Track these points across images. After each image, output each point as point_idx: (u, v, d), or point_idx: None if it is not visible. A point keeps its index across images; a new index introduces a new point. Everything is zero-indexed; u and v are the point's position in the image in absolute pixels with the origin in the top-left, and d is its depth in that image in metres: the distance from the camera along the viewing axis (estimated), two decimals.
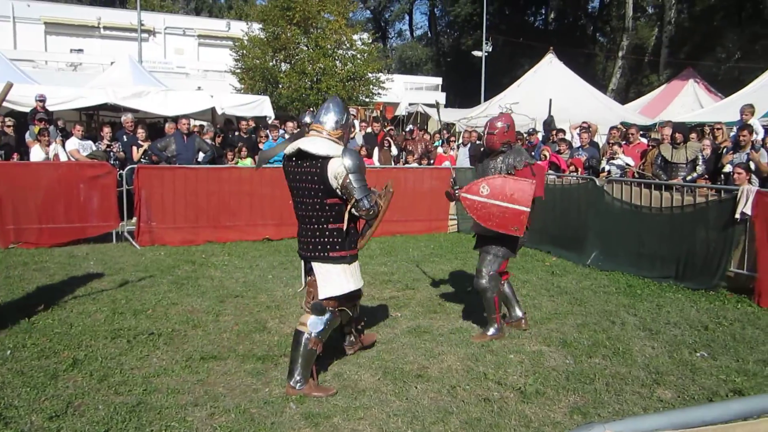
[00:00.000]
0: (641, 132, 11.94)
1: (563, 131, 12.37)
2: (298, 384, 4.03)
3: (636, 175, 9.14)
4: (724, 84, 25.53)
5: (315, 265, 4.16)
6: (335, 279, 4.10)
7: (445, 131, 15.28)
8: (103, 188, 9.07)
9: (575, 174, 9.60)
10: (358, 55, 23.21)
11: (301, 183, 4.10)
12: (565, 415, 3.84)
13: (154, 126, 14.07)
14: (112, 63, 20.76)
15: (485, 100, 24.52)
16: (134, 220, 9.15)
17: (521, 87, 19.23)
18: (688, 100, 19.76)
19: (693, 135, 9.67)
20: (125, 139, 10.81)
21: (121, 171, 9.45)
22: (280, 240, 9.51)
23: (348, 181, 3.90)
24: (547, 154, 10.89)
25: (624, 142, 10.60)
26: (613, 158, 9.91)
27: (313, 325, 4.08)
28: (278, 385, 4.19)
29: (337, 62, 22.76)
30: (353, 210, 4.00)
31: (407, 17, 58.47)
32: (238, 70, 23.49)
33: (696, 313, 6.04)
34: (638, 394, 4.14)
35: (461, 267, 8.00)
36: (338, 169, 3.92)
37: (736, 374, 4.45)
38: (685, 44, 37.52)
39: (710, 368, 4.58)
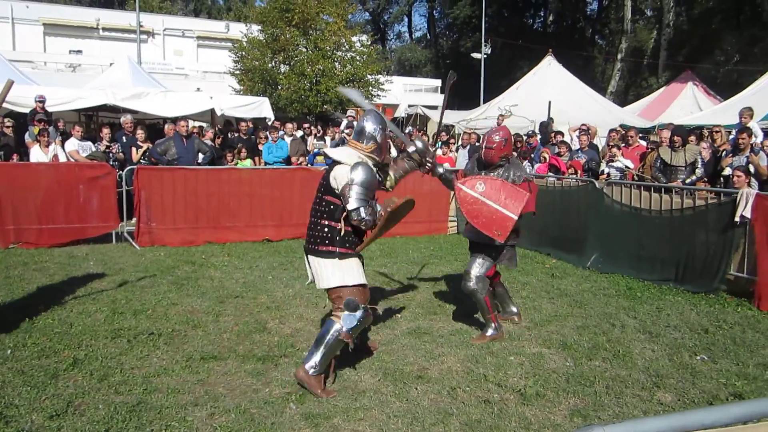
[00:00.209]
0: (640, 135, 11.95)
1: (561, 133, 12.38)
2: (313, 369, 4.07)
3: (635, 178, 9.15)
4: (723, 87, 25.55)
5: (310, 259, 4.30)
6: (325, 272, 4.18)
7: (444, 133, 15.28)
8: (102, 189, 9.07)
9: (575, 176, 9.61)
10: (357, 57, 23.24)
11: (320, 181, 4.37)
12: (565, 417, 3.85)
13: (154, 127, 14.09)
14: (111, 64, 20.76)
15: (484, 102, 24.53)
16: (134, 220, 9.15)
17: (520, 89, 19.23)
18: (687, 103, 19.76)
19: (692, 138, 9.68)
20: (124, 140, 10.81)
21: (120, 172, 9.46)
22: (280, 241, 9.52)
23: (348, 190, 4.01)
24: (546, 156, 10.90)
25: (623, 145, 10.61)
26: (612, 161, 9.93)
27: (346, 320, 4.15)
28: (278, 386, 4.20)
29: (337, 64, 22.78)
30: (348, 217, 4.10)
31: (406, 19, 58.59)
32: (238, 72, 23.52)
33: (696, 316, 6.04)
34: (638, 397, 4.15)
35: (461, 269, 7.93)
36: (341, 175, 4.09)
37: (736, 378, 4.45)
38: (683, 47, 37.57)
39: (710, 371, 4.58)
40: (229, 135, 13.05)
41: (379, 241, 9.35)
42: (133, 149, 10.63)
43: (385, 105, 26.14)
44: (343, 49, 23.22)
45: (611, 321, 5.81)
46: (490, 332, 5.24)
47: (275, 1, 22.58)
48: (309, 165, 11.60)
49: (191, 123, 13.02)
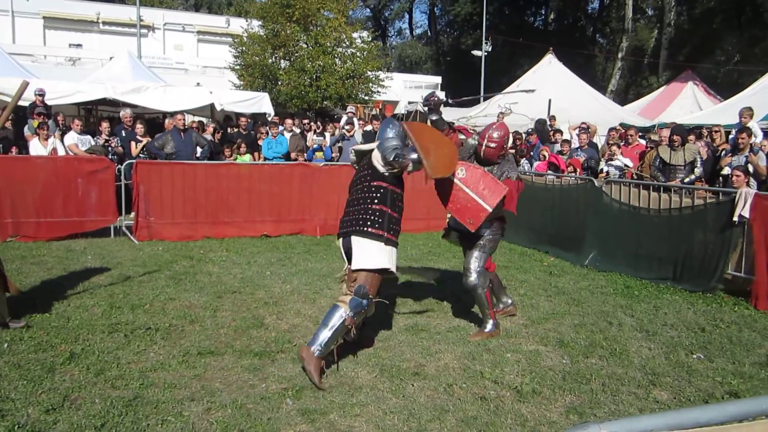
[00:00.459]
0: (640, 133, 11.95)
1: (560, 132, 12.36)
2: (317, 351, 4.17)
3: (634, 177, 9.15)
4: (723, 86, 25.55)
5: (354, 240, 4.47)
6: (371, 253, 4.41)
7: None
8: (101, 183, 9.06)
9: (574, 174, 9.60)
10: (358, 53, 23.19)
11: (359, 173, 4.74)
12: (561, 414, 3.85)
13: (153, 121, 14.07)
14: (111, 58, 20.68)
15: (485, 99, 24.49)
16: (132, 215, 9.15)
17: (520, 87, 19.16)
18: (687, 102, 19.75)
19: (691, 137, 9.68)
20: (124, 134, 10.81)
21: (119, 166, 9.44)
22: (278, 236, 9.52)
23: (380, 147, 4.48)
24: (546, 154, 10.89)
25: (623, 143, 10.61)
26: (611, 159, 9.92)
27: (353, 305, 4.29)
28: (275, 381, 4.20)
29: (337, 60, 22.72)
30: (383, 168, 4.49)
31: (407, 16, 58.41)
32: (238, 67, 23.46)
33: (693, 315, 6.05)
34: (634, 394, 4.15)
35: (459, 266, 7.96)
36: (377, 154, 4.56)
37: (732, 376, 4.46)
38: (684, 46, 37.56)
39: (706, 370, 4.59)
40: (229, 130, 13.03)
41: None
42: (133, 143, 10.62)
43: (385, 101, 26.11)
44: (344, 45, 23.16)
45: (608, 319, 5.82)
46: (488, 328, 5.25)
47: None
48: (308, 161, 11.59)
49: (190, 118, 13.02)
